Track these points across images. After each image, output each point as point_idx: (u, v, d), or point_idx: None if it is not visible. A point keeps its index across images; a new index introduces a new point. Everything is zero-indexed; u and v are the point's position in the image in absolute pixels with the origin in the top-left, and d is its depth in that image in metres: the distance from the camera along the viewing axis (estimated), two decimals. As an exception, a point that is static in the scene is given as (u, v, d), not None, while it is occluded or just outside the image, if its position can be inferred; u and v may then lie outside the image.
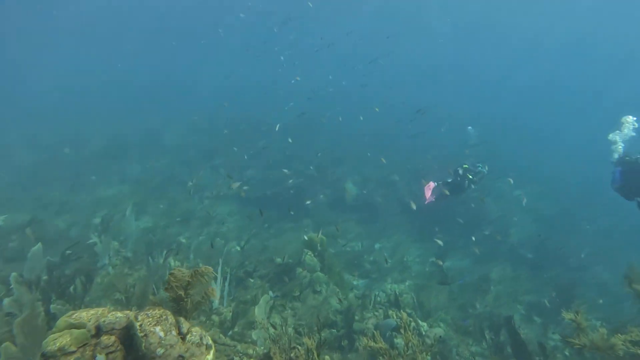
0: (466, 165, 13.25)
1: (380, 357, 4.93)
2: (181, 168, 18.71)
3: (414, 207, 12.68)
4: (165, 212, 14.05)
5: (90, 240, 9.31)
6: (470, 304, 9.96)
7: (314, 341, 4.97)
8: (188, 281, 3.48)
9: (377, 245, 13.89)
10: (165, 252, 9.36)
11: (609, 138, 9.45)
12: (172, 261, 9.47)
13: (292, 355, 4.95)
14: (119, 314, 3.10)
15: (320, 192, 16.99)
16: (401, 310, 8.58)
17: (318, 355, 4.83)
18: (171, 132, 24.18)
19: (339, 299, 8.95)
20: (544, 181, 22.05)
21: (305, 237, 10.76)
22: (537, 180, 21.87)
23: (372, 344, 4.96)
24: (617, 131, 9.49)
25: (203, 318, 7.60)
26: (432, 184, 13.44)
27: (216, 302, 7.91)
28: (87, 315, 3.06)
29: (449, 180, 13.39)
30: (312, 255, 10.35)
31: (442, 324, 8.47)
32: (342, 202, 16.43)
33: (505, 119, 35.52)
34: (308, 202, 14.93)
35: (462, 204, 14.95)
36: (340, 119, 18.28)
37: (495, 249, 14.03)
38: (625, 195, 7.28)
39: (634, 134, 9.55)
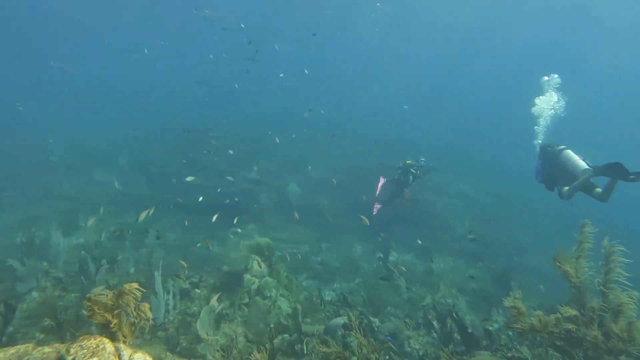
0: (409, 161, 13.76)
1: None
2: (113, 179, 17.59)
3: (365, 199, 12.95)
4: (100, 227, 13.12)
5: (8, 263, 8.44)
6: (418, 296, 10.27)
7: (266, 352, 4.83)
8: (112, 303, 3.18)
9: (324, 246, 13.92)
10: (97, 269, 8.71)
11: (532, 111, 9.99)
12: (108, 279, 8.84)
13: (245, 366, 4.77)
14: (47, 349, 2.75)
15: (264, 196, 16.80)
16: (352, 309, 8.66)
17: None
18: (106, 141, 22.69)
19: (289, 303, 8.83)
20: (482, 170, 23.41)
21: (251, 243, 10.53)
22: (475, 169, 23.18)
23: (324, 349, 4.89)
24: (542, 96, 10.04)
25: (148, 336, 7.16)
26: (382, 179, 13.83)
27: (161, 317, 7.49)
28: (4, 357, 2.68)
29: (395, 178, 13.86)
30: (259, 260, 10.15)
31: (392, 319, 8.63)
32: (287, 205, 16.32)
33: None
34: (255, 206, 14.69)
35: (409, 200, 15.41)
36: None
37: (438, 241, 14.59)
38: (547, 186, 7.58)
39: (556, 98, 10.15)
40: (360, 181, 17.80)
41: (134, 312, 3.36)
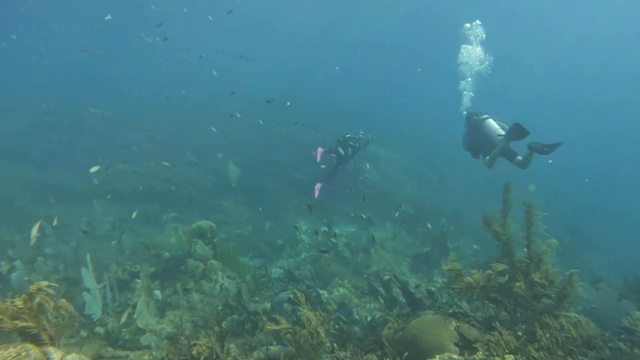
0: (348, 135, 13.88)
1: (286, 336, 4.86)
2: (30, 172, 16.06)
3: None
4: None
5: None
6: (364, 265, 10.54)
7: (215, 334, 4.70)
8: (22, 307, 2.85)
9: (268, 224, 13.82)
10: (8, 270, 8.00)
11: (458, 62, 10.21)
12: (32, 279, 8.15)
13: (193, 353, 4.61)
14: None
15: (202, 178, 16.23)
16: (300, 284, 8.71)
17: (222, 347, 4.58)
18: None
19: (236, 284, 8.71)
20: (414, 140, 24.20)
21: (192, 227, 10.18)
22: (406, 138, 23.92)
23: (274, 327, 4.84)
24: (468, 45, 10.28)
25: (84, 333, 6.73)
26: (320, 150, 13.81)
27: (99, 312, 7.05)
28: None
29: (333, 148, 13.91)
30: (203, 244, 9.86)
31: (340, 289, 8.81)
32: (227, 186, 15.92)
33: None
34: (193, 189, 14.18)
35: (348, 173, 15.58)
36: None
37: (379, 211, 14.99)
38: (473, 154, 7.69)
39: (480, 51, 10.44)
40: (297, 157, 17.73)
41: (53, 312, 3.06)
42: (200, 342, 4.66)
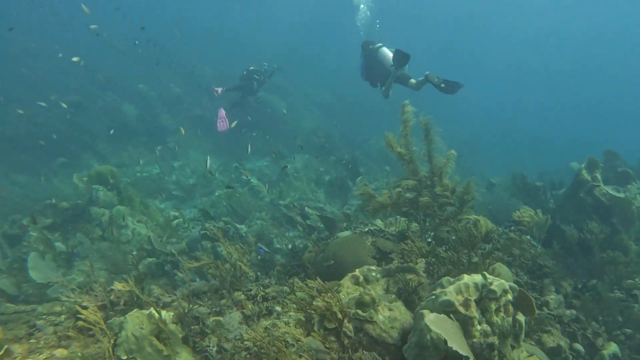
0: (252, 67, 13.20)
1: (209, 271, 4.87)
2: None
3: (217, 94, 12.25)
4: None
5: None
6: (279, 197, 10.71)
7: (132, 277, 4.54)
8: None
9: (176, 164, 13.20)
10: None
11: None
12: None
13: (111, 298, 4.44)
14: None
15: (93, 120, 14.63)
16: (217, 221, 8.64)
17: (142, 290, 4.46)
18: None
19: (149, 228, 8.37)
20: (323, 73, 24.05)
21: (90, 173, 9.35)
22: (315, 70, 23.71)
23: (195, 264, 4.82)
24: None
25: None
26: (219, 90, 13.05)
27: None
28: None
29: (237, 84, 13.24)
30: (105, 190, 9.16)
31: (259, 222, 8.93)
32: (125, 128, 14.65)
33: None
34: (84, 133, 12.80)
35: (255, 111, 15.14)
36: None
37: (289, 143, 15.02)
38: (371, 84, 7.69)
39: None
40: (196, 91, 16.73)
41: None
42: (118, 287, 4.49)
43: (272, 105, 16.34)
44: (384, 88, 7.15)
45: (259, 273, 5.17)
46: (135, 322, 3.72)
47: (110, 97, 16.17)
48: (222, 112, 12.66)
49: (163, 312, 3.99)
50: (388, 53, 7.11)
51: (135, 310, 3.90)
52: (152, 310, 3.81)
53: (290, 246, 6.45)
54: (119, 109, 15.48)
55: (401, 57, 6.54)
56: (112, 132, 13.17)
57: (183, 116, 15.80)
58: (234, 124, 11.34)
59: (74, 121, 14.09)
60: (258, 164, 13.86)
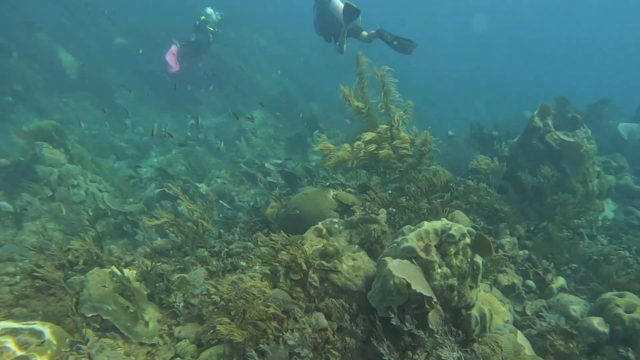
0: (203, 17, 12.30)
1: (170, 228, 4.82)
2: None
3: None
4: None
5: None
6: (237, 155, 10.58)
7: (90, 237, 4.42)
8: None
9: (127, 122, 12.61)
10: None
11: None
12: None
13: (69, 257, 4.32)
14: None
15: (25, 67, 13.12)
16: (175, 180, 8.46)
17: (101, 249, 4.37)
18: None
19: (104, 187, 8.08)
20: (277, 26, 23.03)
21: (30, 128, 8.75)
22: (270, 20, 22.71)
23: (155, 222, 4.74)
24: None
25: None
26: (174, 48, 12.34)
27: None
28: None
29: (193, 39, 12.50)
30: (51, 147, 8.64)
31: (218, 180, 8.82)
32: (64, 80, 13.54)
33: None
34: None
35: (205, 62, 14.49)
36: None
37: (245, 100, 14.67)
38: (325, 38, 7.52)
39: None
40: (146, 45, 15.70)
41: None
42: (75, 247, 4.38)
43: (225, 60, 15.68)
44: (337, 43, 7.04)
45: (221, 230, 5.18)
46: (97, 280, 3.68)
47: (41, 40, 14.50)
48: (174, 49, 12.00)
49: (125, 271, 3.96)
50: (339, 4, 6.91)
51: (96, 268, 3.85)
52: (114, 268, 3.77)
53: (252, 203, 6.47)
54: (55, 56, 14.11)
55: (351, 12, 6.47)
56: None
57: (133, 71, 14.88)
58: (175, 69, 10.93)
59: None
60: (214, 121, 13.49)
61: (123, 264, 4.34)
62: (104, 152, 10.41)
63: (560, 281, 4.75)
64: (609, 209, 7.35)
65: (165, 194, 7.33)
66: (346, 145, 5.28)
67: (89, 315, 3.38)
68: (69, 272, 4.08)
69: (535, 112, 6.65)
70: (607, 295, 3.95)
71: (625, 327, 3.55)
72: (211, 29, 12.35)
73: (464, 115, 19.69)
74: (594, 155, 6.52)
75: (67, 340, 3.17)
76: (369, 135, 5.19)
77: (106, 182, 8.34)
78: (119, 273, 3.68)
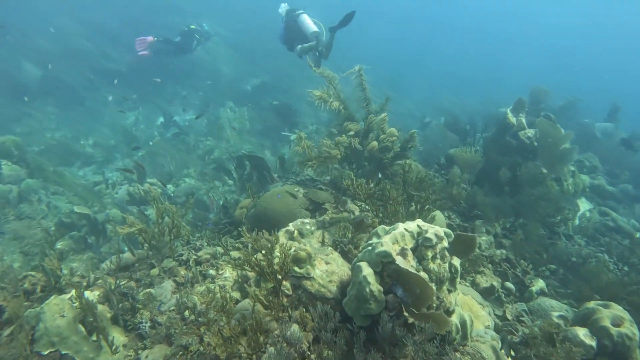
0: (193, 26, 12.49)
1: (140, 236, 4.52)
2: None
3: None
4: None
5: None
6: (209, 152, 10.15)
7: (51, 258, 4.10)
8: None
9: (91, 124, 12.00)
10: None
11: None
12: None
13: (26, 286, 4.01)
14: None
15: None
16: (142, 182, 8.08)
17: (60, 269, 4.06)
18: None
19: (67, 198, 7.67)
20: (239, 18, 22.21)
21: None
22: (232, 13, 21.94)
23: (126, 229, 4.43)
24: None
25: None
26: (150, 38, 11.98)
27: None
28: None
29: (176, 40, 12.36)
30: (10, 163, 8.18)
31: (187, 179, 8.46)
32: (23, 87, 12.82)
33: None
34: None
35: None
36: None
37: (217, 93, 14.20)
38: (288, 47, 7.90)
39: None
40: (107, 44, 14.96)
41: None
42: (32, 273, 4.08)
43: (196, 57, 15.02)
44: (298, 48, 7.33)
45: (190, 236, 4.88)
46: (54, 310, 3.39)
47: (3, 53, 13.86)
48: (150, 38, 11.77)
49: (87, 293, 3.67)
50: (307, 19, 7.48)
51: (53, 297, 3.54)
52: (74, 292, 3.48)
53: (222, 202, 6.16)
54: (13, 64, 13.42)
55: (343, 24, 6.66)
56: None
57: (86, 68, 14.03)
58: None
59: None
60: (185, 117, 12.95)
61: (85, 283, 4.05)
62: (68, 160, 9.89)
63: (540, 283, 4.57)
64: (584, 208, 7.25)
65: (132, 199, 6.97)
66: (327, 141, 5.03)
67: (46, 353, 3.10)
68: (26, 303, 3.77)
69: (509, 108, 6.50)
70: (591, 304, 3.72)
71: (614, 342, 3.30)
72: (197, 37, 12.69)
73: (435, 103, 19.19)
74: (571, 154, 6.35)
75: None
76: (352, 127, 4.98)
77: (69, 192, 7.92)
78: (78, 298, 3.39)
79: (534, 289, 4.41)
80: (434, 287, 2.62)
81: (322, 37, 7.07)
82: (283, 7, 8.02)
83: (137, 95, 12.88)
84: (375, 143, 4.85)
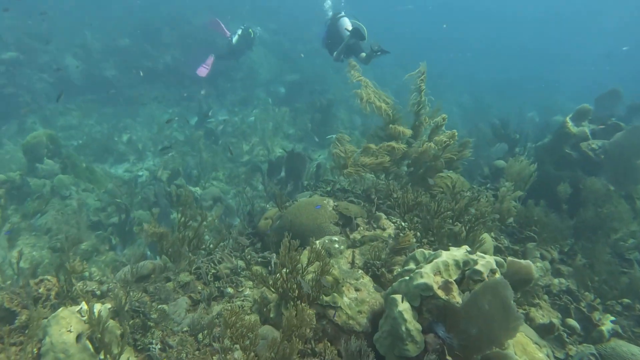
0: (251, 30, 12.35)
1: (159, 243, 4.29)
2: None
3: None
4: None
5: None
6: (238, 155, 9.91)
7: (72, 260, 3.91)
8: None
9: (128, 121, 12.10)
10: None
11: None
12: None
13: (41, 290, 3.84)
14: None
15: (36, 79, 12.91)
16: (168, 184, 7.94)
17: (83, 269, 3.87)
18: None
19: (97, 196, 7.63)
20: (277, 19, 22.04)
21: (26, 139, 8.36)
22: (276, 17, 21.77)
23: (152, 229, 4.21)
24: None
25: None
26: (227, 33, 12.12)
27: None
28: None
29: (234, 43, 12.24)
30: (45, 157, 8.26)
31: (214, 182, 8.25)
32: (69, 84, 13.11)
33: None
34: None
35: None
36: None
37: (250, 93, 14.07)
38: (329, 51, 7.75)
39: None
40: (145, 39, 15.08)
41: None
42: (48, 278, 3.90)
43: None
44: (335, 53, 7.32)
45: (211, 245, 4.59)
46: (61, 324, 3.16)
47: (52, 51, 14.23)
48: (211, 60, 11.88)
49: (98, 305, 3.43)
50: (345, 22, 7.37)
51: (61, 309, 3.32)
52: (84, 305, 3.25)
53: (248, 208, 5.87)
54: (62, 62, 13.74)
55: (356, 34, 6.88)
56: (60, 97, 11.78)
57: (129, 68, 14.23)
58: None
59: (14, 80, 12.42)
60: (221, 119, 12.80)
61: (99, 293, 3.83)
62: (102, 156, 9.94)
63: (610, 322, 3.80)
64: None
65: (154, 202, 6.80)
66: (372, 145, 4.64)
67: (48, 372, 2.86)
68: (40, 307, 3.58)
69: (569, 117, 5.84)
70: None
71: None
72: (250, 44, 12.50)
73: (479, 107, 18.17)
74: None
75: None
76: (407, 131, 4.59)
77: (99, 190, 7.88)
78: (87, 313, 3.15)
79: (604, 328, 3.69)
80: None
81: (362, 31, 6.86)
82: (328, 3, 7.96)
83: (205, 91, 13.03)
84: (431, 144, 4.36)
